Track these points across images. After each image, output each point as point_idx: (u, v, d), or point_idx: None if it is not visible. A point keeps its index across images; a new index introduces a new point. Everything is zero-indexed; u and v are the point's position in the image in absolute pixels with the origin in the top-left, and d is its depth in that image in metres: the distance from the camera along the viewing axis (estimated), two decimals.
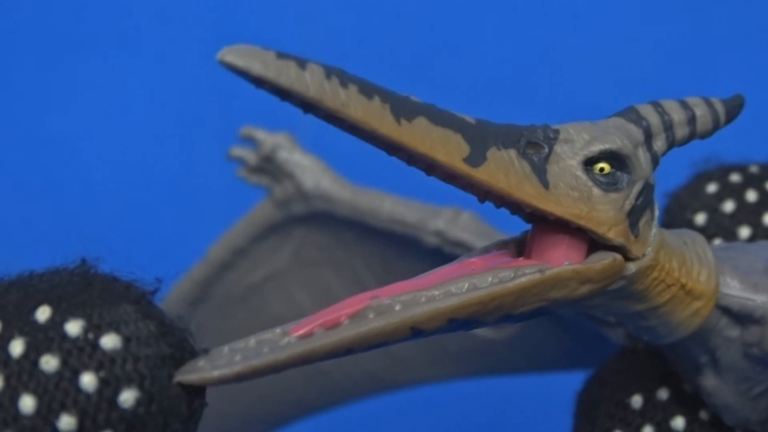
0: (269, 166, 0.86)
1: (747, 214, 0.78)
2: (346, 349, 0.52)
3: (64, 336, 0.50)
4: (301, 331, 0.52)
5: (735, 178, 0.81)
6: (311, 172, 0.85)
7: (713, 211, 0.77)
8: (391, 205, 0.81)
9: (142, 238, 1.26)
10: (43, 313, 0.50)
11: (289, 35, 1.34)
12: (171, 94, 1.36)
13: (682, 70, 1.28)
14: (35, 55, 1.38)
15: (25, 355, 0.49)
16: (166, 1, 1.39)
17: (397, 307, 0.53)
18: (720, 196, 0.79)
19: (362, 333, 0.52)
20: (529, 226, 0.59)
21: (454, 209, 0.80)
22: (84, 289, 0.52)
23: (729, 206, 0.78)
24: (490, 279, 0.55)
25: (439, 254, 0.79)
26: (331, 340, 0.52)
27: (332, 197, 0.83)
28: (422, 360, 0.85)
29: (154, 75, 1.38)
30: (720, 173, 0.81)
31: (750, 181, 0.80)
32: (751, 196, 0.79)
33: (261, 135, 0.87)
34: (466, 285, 0.54)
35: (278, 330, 0.52)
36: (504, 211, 0.58)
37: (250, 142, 0.88)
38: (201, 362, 0.51)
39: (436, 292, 0.54)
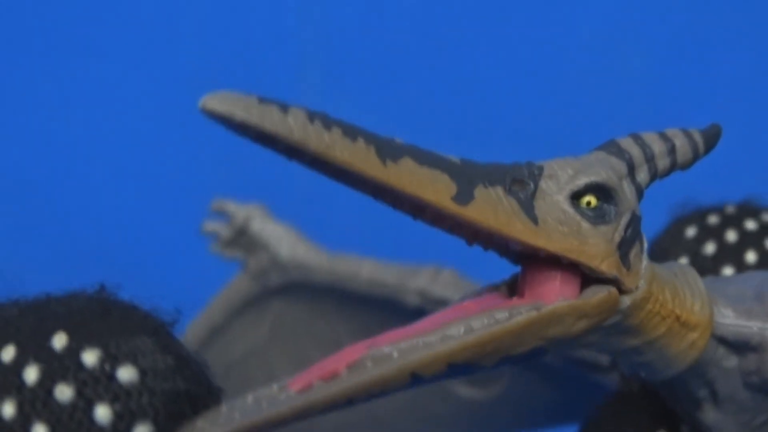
0: (243, 239, 0.86)
1: (729, 254, 0.78)
2: (347, 400, 0.52)
3: (80, 365, 0.49)
4: (300, 385, 0.51)
5: (713, 219, 0.81)
6: (286, 241, 0.84)
7: (695, 254, 0.77)
8: (370, 268, 0.81)
9: (145, 247, 1.24)
10: (59, 341, 0.50)
11: (288, 37, 1.33)
12: (173, 97, 1.34)
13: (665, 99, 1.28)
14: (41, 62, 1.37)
15: (40, 383, 0.49)
16: (170, 7, 1.37)
17: (395, 354, 0.52)
18: (700, 239, 0.79)
19: (362, 382, 0.51)
20: (516, 269, 0.58)
21: (434, 267, 0.80)
22: (102, 317, 0.51)
23: (710, 248, 0.78)
24: (486, 321, 0.54)
25: (421, 314, 0.77)
26: (331, 391, 0.51)
27: (309, 265, 0.83)
28: (408, 423, 0.83)
29: (156, 78, 1.36)
30: (698, 216, 0.82)
31: (728, 221, 0.80)
32: (731, 236, 0.79)
33: (232, 207, 0.87)
34: (463, 328, 0.54)
35: (275, 386, 0.51)
36: (484, 266, 0.58)
37: (221, 215, 0.87)
38: (199, 422, 0.51)
39: (433, 337, 0.53)
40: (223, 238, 0.87)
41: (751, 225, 0.80)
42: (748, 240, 0.79)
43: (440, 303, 0.78)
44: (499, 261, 0.60)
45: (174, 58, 1.34)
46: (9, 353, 0.49)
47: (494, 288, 0.58)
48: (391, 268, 0.81)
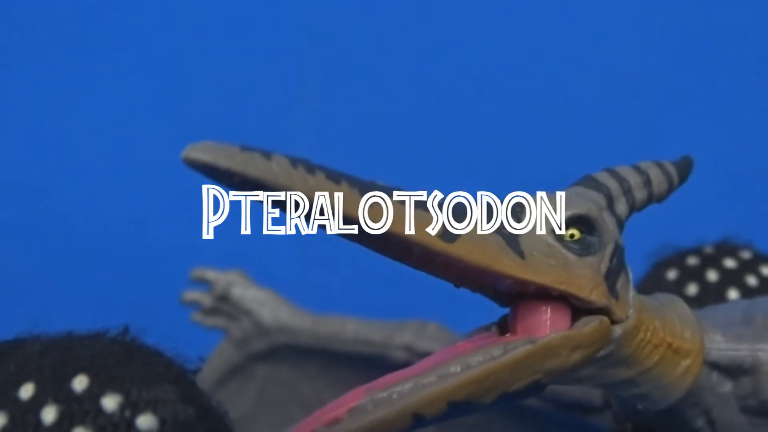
0: (224, 306, 0.85)
1: (711, 294, 0.79)
2: None
3: (99, 410, 0.48)
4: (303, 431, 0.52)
5: (692, 261, 0.81)
6: (268, 305, 0.83)
7: (677, 296, 0.77)
8: (354, 327, 0.80)
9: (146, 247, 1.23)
10: (80, 383, 0.49)
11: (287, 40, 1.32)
12: (175, 95, 1.32)
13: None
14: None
15: (58, 424, 0.48)
16: (172, 11, 1.36)
17: (395, 396, 0.52)
18: (681, 281, 0.80)
19: (364, 425, 0.51)
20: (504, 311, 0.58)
21: (419, 322, 0.79)
22: (125, 361, 0.50)
23: (692, 289, 0.79)
24: (482, 357, 0.54)
25: None
26: None
27: (292, 328, 0.82)
28: None
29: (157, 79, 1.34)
30: (677, 259, 0.82)
31: (708, 261, 0.81)
32: (712, 275, 0.80)
33: (212, 274, 0.86)
34: (460, 366, 0.53)
35: None
36: (469, 317, 0.57)
37: (202, 283, 0.86)
38: None
39: (432, 377, 0.53)
40: (205, 307, 0.86)
41: (730, 263, 0.81)
42: (729, 278, 0.80)
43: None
44: (483, 312, 0.60)
45: (176, 63, 1.33)
46: (28, 391, 0.49)
47: (485, 329, 0.58)
48: (376, 325, 0.80)
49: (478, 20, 1.31)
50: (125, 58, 1.33)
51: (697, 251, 0.82)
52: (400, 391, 0.52)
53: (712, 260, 0.81)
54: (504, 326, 0.58)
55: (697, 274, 0.80)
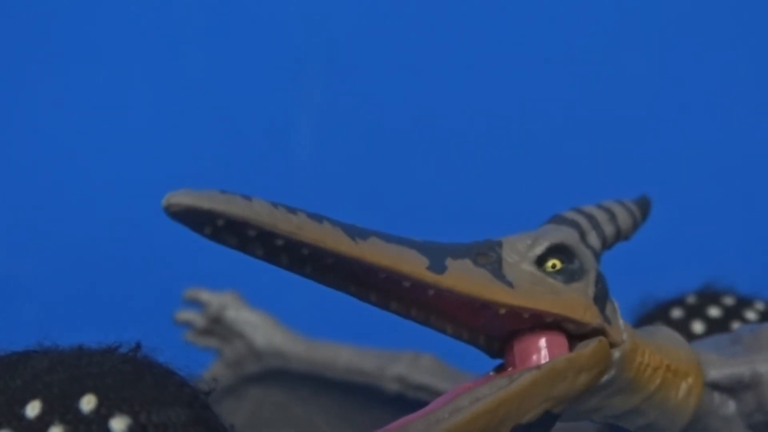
0: (218, 327, 0.85)
1: None
2: None
3: None
4: None
5: (677, 314, 0.82)
6: (262, 329, 0.83)
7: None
8: (348, 355, 0.80)
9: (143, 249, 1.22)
10: (88, 403, 0.47)
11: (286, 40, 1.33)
12: (177, 100, 1.31)
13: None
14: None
15: None
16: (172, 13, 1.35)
17: None
18: None
19: None
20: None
21: (413, 353, 0.79)
22: (135, 381, 0.49)
23: None
24: (489, 389, 0.55)
25: (401, 401, 0.78)
26: None
27: (286, 353, 0.82)
28: None
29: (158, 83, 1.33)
30: (661, 312, 0.83)
31: (692, 312, 0.82)
32: (698, 327, 0.80)
33: (206, 296, 0.86)
34: (469, 400, 0.54)
35: None
36: (463, 349, 0.58)
37: (195, 304, 0.86)
38: None
39: (444, 413, 0.53)
40: (198, 328, 0.86)
41: (714, 312, 0.81)
42: (714, 328, 0.80)
43: (420, 389, 0.78)
44: None
45: (176, 65, 1.32)
46: (35, 409, 0.47)
47: (484, 375, 0.58)
48: (370, 354, 0.80)
49: (478, 29, 1.33)
50: (124, 62, 1.33)
51: (680, 302, 0.83)
52: (416, 430, 0.52)
53: (696, 311, 0.81)
54: (502, 369, 0.58)
55: (682, 327, 0.80)
